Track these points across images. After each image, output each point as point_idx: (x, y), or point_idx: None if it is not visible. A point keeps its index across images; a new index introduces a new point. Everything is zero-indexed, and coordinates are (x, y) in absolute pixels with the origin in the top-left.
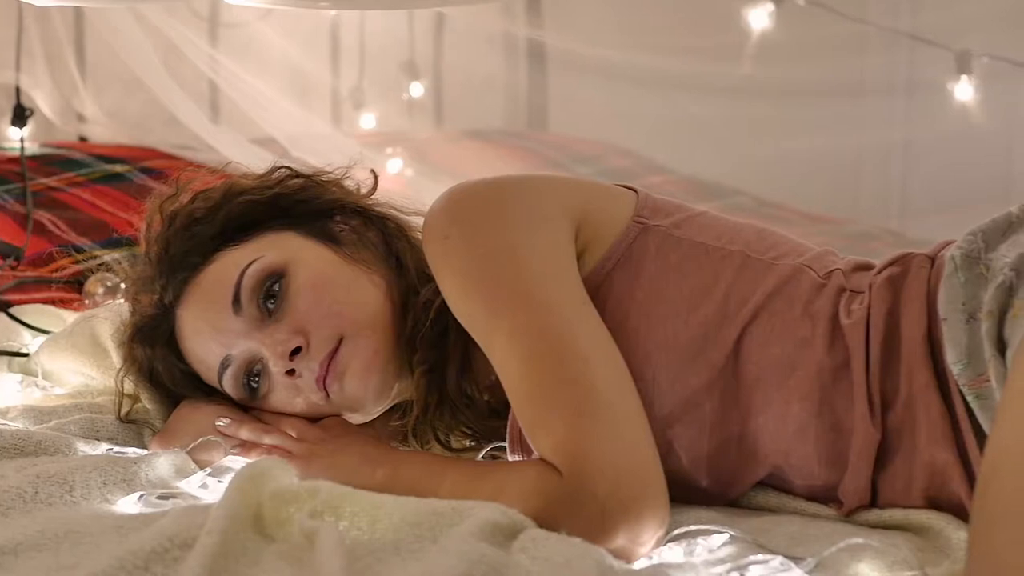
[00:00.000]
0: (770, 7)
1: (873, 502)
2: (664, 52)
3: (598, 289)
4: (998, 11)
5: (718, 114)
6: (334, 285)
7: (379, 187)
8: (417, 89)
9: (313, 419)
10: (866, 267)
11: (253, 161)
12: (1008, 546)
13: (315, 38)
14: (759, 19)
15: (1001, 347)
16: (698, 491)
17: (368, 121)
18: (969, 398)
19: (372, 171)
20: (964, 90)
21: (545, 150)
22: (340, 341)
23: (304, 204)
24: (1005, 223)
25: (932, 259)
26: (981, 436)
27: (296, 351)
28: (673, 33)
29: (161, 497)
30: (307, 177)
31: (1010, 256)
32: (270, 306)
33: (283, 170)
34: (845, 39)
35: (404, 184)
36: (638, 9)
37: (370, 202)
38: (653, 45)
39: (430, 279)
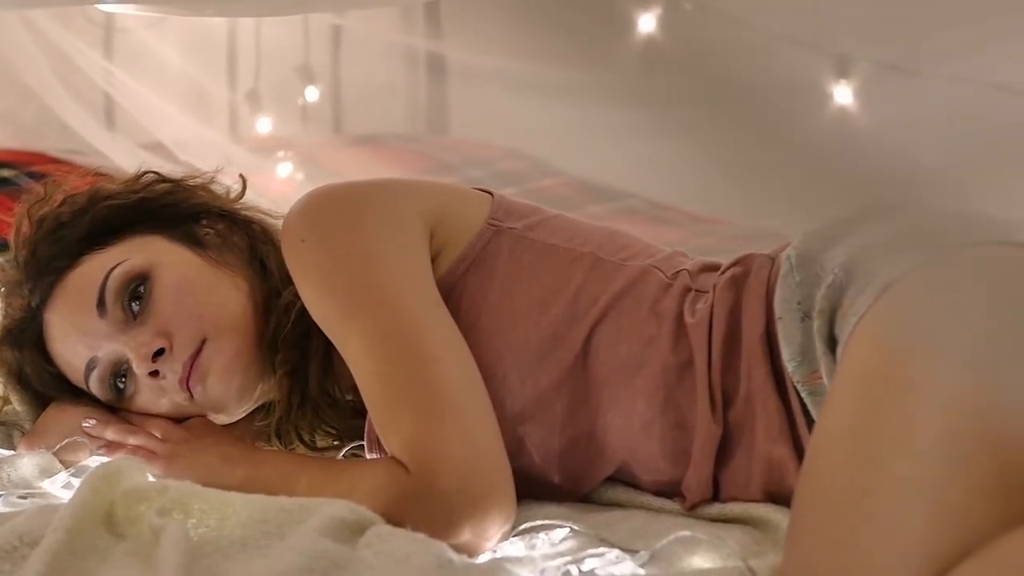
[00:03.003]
0: (659, 11)
1: (716, 496)
2: (561, 59)
3: (452, 290)
4: (881, 15)
5: (615, 118)
6: (197, 288)
7: (271, 190)
8: (313, 93)
9: (180, 419)
10: (713, 267)
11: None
12: (816, 536)
13: (211, 42)
14: (648, 24)
15: (832, 345)
16: (550, 487)
17: (265, 125)
18: (803, 394)
19: (240, 175)
20: (844, 93)
21: (438, 154)
22: (203, 343)
23: (170, 208)
24: (841, 225)
25: (773, 259)
26: None
27: (159, 353)
28: (569, 40)
29: (22, 497)
30: (174, 182)
31: (842, 256)
32: (135, 308)
33: (150, 175)
34: (732, 43)
35: (296, 188)
36: (535, 17)
37: (238, 206)
38: (551, 52)
39: (292, 281)
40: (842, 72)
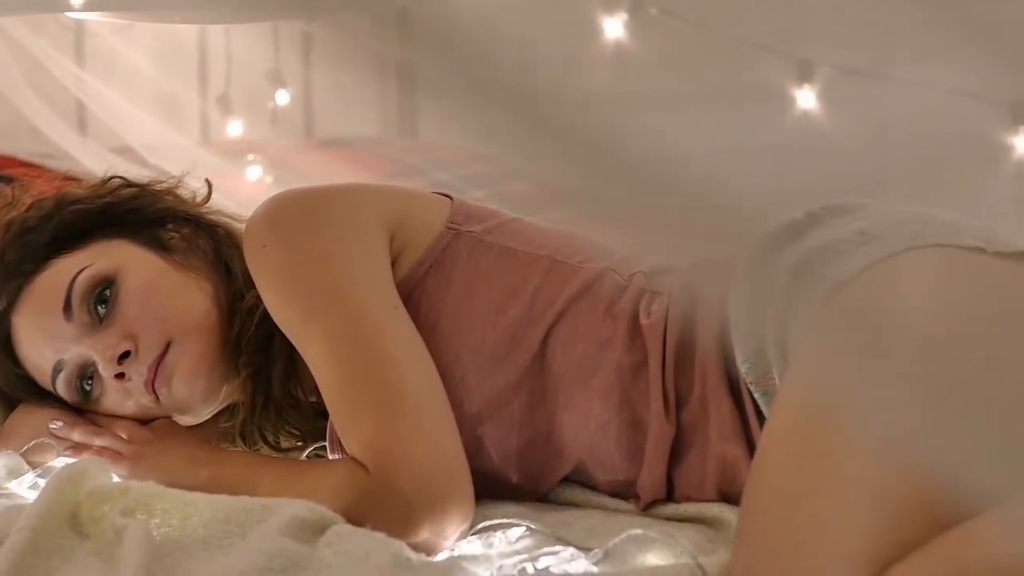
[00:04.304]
0: (624, 16)
1: (671, 496)
2: (529, 64)
3: (411, 293)
4: (841, 20)
5: (581, 123)
6: (162, 291)
7: (241, 193)
8: (283, 97)
9: (146, 421)
10: (669, 269)
11: (117, 168)
12: (762, 535)
13: (181, 46)
14: (614, 28)
15: (785, 346)
16: (509, 487)
17: (235, 128)
18: (756, 395)
19: (206, 180)
20: (807, 97)
21: (406, 157)
22: (168, 345)
23: (136, 212)
24: (791, 229)
25: (727, 264)
26: None
27: (125, 355)
28: (536, 45)
29: None
30: (140, 187)
31: (792, 260)
32: (101, 312)
33: (116, 179)
34: (699, 47)
35: (265, 190)
36: (504, 23)
37: (203, 210)
38: (519, 58)
39: (255, 285)
40: (805, 76)
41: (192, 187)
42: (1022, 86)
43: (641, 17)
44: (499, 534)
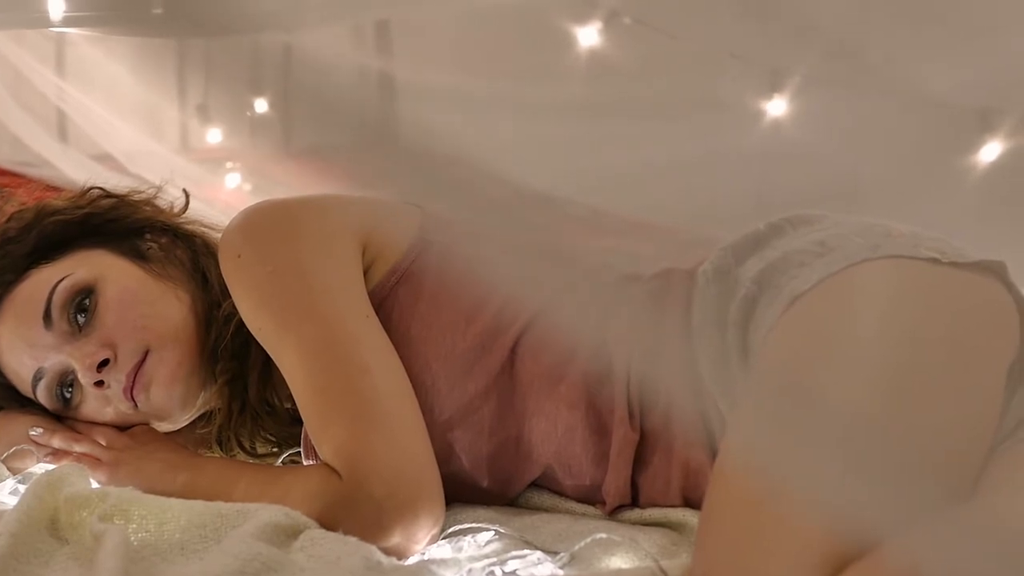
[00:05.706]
0: (599, 25)
1: (637, 502)
2: (507, 74)
3: (383, 302)
4: (812, 29)
5: (559, 130)
6: (140, 300)
7: (220, 201)
8: (262, 106)
9: (124, 427)
10: (635, 278)
11: (97, 178)
12: (721, 537)
13: (161, 55)
14: (588, 37)
15: (747, 355)
16: (479, 491)
17: (215, 136)
18: (720, 403)
19: (184, 190)
20: (778, 106)
21: (383, 164)
22: (146, 353)
23: (115, 223)
24: (754, 239)
25: (692, 273)
26: None
27: (104, 363)
28: (514, 55)
29: None
30: (119, 197)
31: (754, 270)
32: (80, 321)
33: (95, 190)
34: (672, 56)
35: (244, 198)
36: (480, 34)
37: (181, 220)
38: (498, 68)
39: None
40: (776, 86)
41: (172, 195)
42: (990, 94)
43: (615, 26)
44: (468, 538)
